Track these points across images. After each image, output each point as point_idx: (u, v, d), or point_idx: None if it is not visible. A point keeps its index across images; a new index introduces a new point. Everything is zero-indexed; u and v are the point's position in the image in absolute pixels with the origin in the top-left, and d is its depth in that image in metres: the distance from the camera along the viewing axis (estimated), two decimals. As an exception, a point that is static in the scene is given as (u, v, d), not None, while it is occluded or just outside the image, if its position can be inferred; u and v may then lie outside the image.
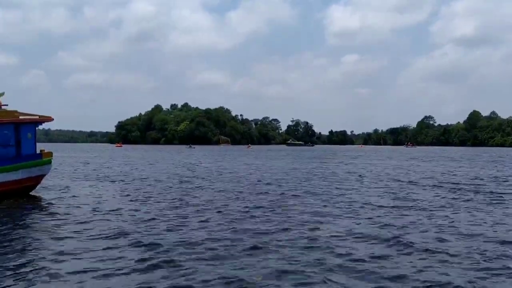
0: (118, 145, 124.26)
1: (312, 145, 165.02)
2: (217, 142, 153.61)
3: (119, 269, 6.16)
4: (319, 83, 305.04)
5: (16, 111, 13.54)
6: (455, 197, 14.33)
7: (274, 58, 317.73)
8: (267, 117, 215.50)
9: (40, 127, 14.58)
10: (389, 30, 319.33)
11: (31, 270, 6.10)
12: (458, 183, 18.85)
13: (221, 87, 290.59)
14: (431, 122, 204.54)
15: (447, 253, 7.06)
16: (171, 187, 16.76)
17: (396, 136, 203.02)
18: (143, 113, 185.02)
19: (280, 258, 6.76)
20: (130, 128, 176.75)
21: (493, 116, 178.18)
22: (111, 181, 19.27)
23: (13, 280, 5.72)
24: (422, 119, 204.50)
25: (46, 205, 12.28)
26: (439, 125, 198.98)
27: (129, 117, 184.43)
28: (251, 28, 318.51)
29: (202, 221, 9.63)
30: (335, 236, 8.27)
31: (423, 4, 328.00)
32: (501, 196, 14.44)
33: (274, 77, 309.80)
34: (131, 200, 13.16)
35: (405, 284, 5.66)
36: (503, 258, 6.82)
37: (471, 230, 8.82)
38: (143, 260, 6.61)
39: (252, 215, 10.43)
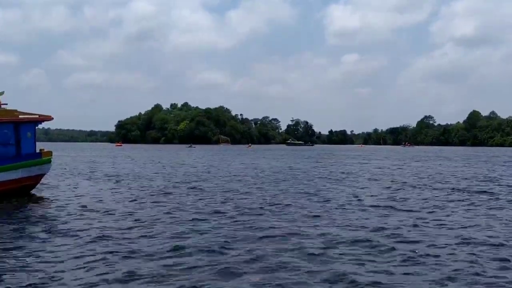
0: (118, 144, 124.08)
1: (312, 145, 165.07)
2: (217, 142, 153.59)
3: (119, 269, 6.15)
4: (319, 83, 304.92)
5: (15, 110, 13.54)
6: (439, 195, 14.65)
7: (274, 58, 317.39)
8: (267, 117, 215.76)
9: (40, 126, 14.62)
10: (389, 30, 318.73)
11: (29, 270, 6.09)
12: (447, 182, 19.14)
13: (221, 87, 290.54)
14: (431, 122, 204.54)
15: (436, 255, 6.98)
16: (165, 187, 16.74)
17: (396, 136, 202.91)
18: (143, 112, 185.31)
19: (272, 259, 6.72)
20: (130, 128, 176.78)
21: (492, 116, 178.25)
22: (115, 182, 19.18)
23: (11, 279, 5.71)
24: (422, 119, 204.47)
25: (46, 204, 12.29)
26: (439, 125, 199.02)
27: (129, 117, 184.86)
28: (251, 28, 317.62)
29: (198, 220, 9.64)
30: (322, 237, 8.23)
31: (423, 4, 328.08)
32: (492, 194, 14.85)
33: (274, 77, 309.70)
34: (131, 200, 13.14)
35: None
36: (495, 261, 6.71)
37: (457, 232, 8.77)
38: (143, 260, 6.62)
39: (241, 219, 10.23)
